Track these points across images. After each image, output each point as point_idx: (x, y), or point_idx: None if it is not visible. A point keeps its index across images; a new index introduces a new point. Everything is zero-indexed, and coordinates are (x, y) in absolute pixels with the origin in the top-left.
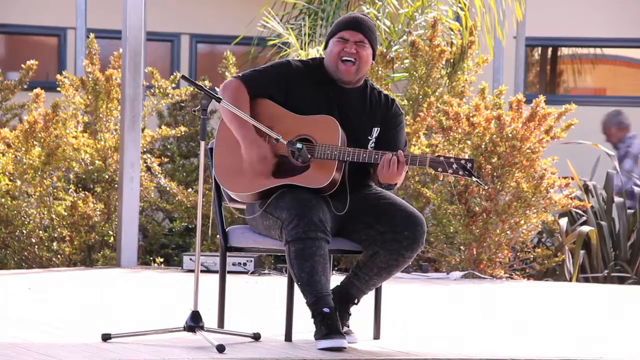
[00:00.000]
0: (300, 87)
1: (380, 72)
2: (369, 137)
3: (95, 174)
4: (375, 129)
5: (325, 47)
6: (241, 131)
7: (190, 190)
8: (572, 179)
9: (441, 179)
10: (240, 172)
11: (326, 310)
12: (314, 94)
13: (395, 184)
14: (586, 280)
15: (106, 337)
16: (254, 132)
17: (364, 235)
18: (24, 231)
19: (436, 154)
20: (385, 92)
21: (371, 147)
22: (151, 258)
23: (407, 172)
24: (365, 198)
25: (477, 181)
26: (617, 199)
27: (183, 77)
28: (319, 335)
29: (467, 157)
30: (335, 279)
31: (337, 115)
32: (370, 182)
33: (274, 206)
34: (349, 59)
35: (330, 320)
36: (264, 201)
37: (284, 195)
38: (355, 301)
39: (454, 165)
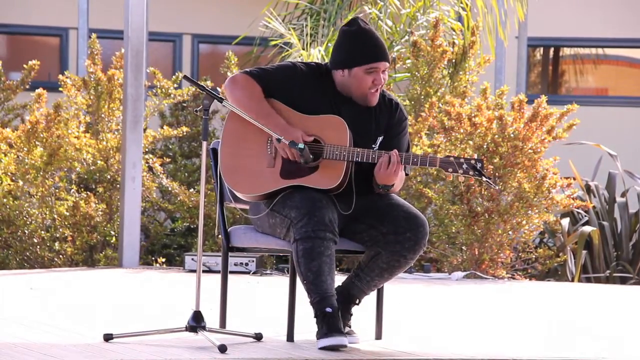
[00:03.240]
0: (303, 92)
1: None
2: (373, 146)
3: (97, 174)
4: (380, 137)
5: (344, 65)
6: (270, 120)
7: (192, 190)
8: (574, 179)
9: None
10: (247, 172)
11: (328, 310)
12: (317, 99)
13: (392, 185)
14: (588, 280)
15: (108, 337)
16: (283, 119)
17: (366, 236)
18: (26, 231)
19: (445, 155)
20: (390, 94)
21: None
22: (153, 258)
23: (410, 172)
24: (369, 199)
25: (487, 181)
26: (619, 199)
27: (185, 77)
28: (319, 334)
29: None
30: (337, 279)
31: None
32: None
33: (281, 205)
34: (377, 89)
35: (332, 319)
36: (270, 200)
37: (292, 194)
38: (357, 301)
39: (464, 166)
